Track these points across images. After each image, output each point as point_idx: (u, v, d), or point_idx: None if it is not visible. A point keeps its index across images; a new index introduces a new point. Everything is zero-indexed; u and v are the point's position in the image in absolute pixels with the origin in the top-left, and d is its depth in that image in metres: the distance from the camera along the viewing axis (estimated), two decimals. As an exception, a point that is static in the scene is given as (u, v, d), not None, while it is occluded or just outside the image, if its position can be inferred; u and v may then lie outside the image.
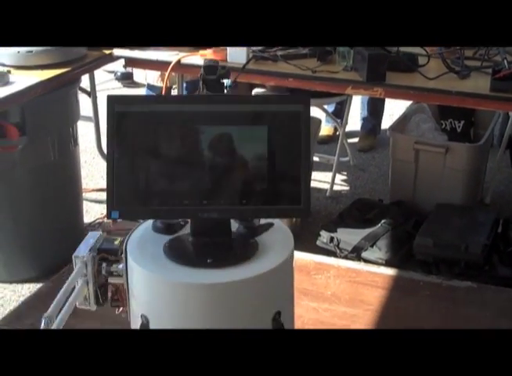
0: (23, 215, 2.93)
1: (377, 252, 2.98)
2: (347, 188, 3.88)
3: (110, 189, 1.53)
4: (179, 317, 1.57)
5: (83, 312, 1.71)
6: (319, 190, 3.81)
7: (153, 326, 1.58)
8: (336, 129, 4.45)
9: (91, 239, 1.68)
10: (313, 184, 3.86)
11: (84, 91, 3.29)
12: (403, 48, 2.72)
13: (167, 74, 2.80)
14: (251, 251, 1.62)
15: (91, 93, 3.34)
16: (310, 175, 1.59)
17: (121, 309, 1.70)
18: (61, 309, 1.55)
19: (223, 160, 1.57)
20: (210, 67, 1.62)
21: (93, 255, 1.64)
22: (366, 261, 2.99)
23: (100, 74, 4.82)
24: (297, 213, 1.65)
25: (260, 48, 2.83)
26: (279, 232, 1.71)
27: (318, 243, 3.13)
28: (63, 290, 1.60)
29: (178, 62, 2.79)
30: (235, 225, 1.67)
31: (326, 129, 4.41)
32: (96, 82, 3.49)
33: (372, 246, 3.01)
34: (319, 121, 3.41)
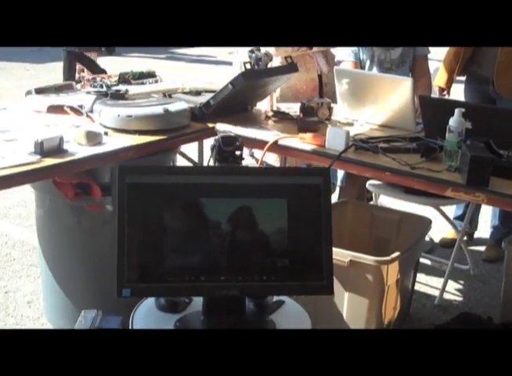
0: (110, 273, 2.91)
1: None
2: (459, 299, 3.54)
3: (121, 265, 1.45)
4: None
5: None
6: (428, 297, 3.51)
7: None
8: (464, 234, 4.13)
9: (87, 317, 1.58)
10: (423, 289, 3.58)
11: (189, 160, 3.29)
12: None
13: (263, 152, 2.73)
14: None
15: (199, 164, 3.32)
16: (331, 250, 1.47)
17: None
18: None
19: (242, 234, 1.49)
20: (228, 138, 1.53)
21: None
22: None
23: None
24: (319, 290, 1.55)
25: (362, 137, 2.69)
26: (292, 310, 1.60)
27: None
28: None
29: (275, 142, 2.71)
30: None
31: (451, 233, 4.11)
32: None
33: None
34: (429, 221, 3.15)
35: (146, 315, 1.55)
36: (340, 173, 3.83)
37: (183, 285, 1.45)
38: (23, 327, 3.07)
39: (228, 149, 1.57)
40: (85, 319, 1.60)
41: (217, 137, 1.59)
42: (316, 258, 1.47)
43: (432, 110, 2.76)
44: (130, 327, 1.49)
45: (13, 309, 3.24)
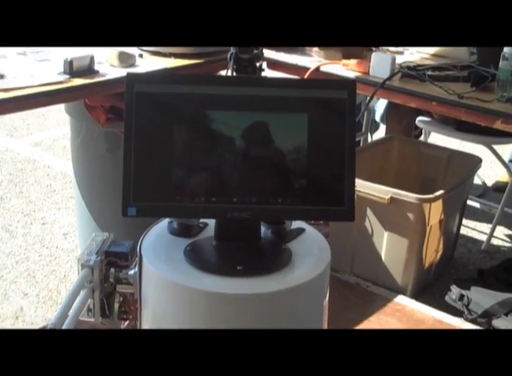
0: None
1: (511, 323, 2.51)
2: (508, 244, 3.37)
3: (127, 181, 1.34)
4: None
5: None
6: (475, 242, 3.35)
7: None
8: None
9: (97, 240, 1.50)
10: (470, 234, 3.43)
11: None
12: None
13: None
14: (285, 260, 1.40)
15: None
16: (354, 174, 1.34)
17: (128, 322, 1.51)
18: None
19: (257, 151, 1.35)
20: (245, 45, 1.38)
21: (101, 260, 1.46)
22: (497, 330, 2.53)
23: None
24: (339, 216, 1.38)
25: (410, 64, 2.52)
26: (312, 239, 1.49)
27: (446, 298, 2.71)
28: (66, 299, 1.43)
29: (317, 69, 2.56)
30: (262, 229, 1.45)
31: (505, 176, 3.89)
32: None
33: (506, 314, 2.53)
34: (479, 160, 2.97)
35: (157, 238, 1.45)
36: (381, 108, 3.63)
37: (192, 205, 1.33)
38: (57, 259, 3.05)
39: (245, 56, 1.43)
40: (96, 243, 1.52)
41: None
42: (338, 181, 1.33)
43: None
44: (138, 250, 1.40)
45: (49, 240, 3.22)
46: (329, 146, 1.34)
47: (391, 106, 3.46)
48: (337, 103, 1.34)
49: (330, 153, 1.35)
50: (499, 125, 2.22)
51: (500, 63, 2.30)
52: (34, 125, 4.85)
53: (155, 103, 1.34)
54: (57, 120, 4.84)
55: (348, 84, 1.36)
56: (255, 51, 1.43)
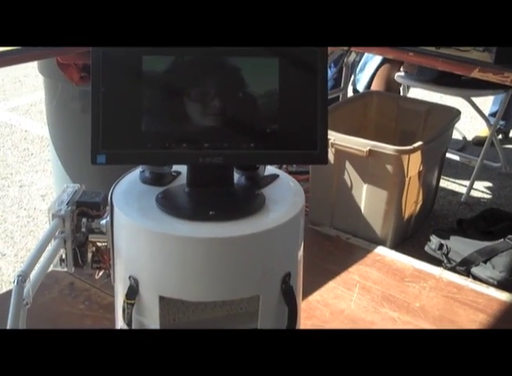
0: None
1: (490, 270, 2.53)
2: (488, 196, 3.39)
3: (96, 129, 1.31)
4: (175, 277, 1.34)
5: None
6: (455, 194, 3.37)
7: (142, 288, 1.36)
8: (499, 131, 3.94)
9: (68, 191, 1.48)
10: (451, 186, 3.44)
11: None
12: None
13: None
14: (258, 204, 1.38)
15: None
16: (327, 118, 1.33)
17: (102, 272, 1.49)
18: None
19: (228, 96, 1.33)
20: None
21: (72, 209, 1.44)
22: (476, 278, 2.55)
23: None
24: (312, 159, 1.38)
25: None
26: (286, 185, 1.47)
27: (426, 248, 2.73)
28: (36, 248, 1.41)
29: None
30: (236, 176, 1.43)
31: (484, 130, 3.90)
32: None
33: (485, 262, 2.55)
34: (457, 112, 2.96)
35: (129, 187, 1.43)
36: (365, 79, 3.62)
37: (163, 152, 1.31)
38: (36, 220, 3.04)
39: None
40: (67, 194, 1.50)
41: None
42: (310, 125, 1.32)
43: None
44: (110, 199, 1.38)
45: (27, 202, 3.20)
46: (301, 90, 1.33)
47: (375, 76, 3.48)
48: (306, 50, 1.32)
49: (302, 97, 1.33)
50: (476, 74, 2.21)
51: (476, 11, 2.28)
52: (10, 91, 4.80)
53: (122, 55, 1.31)
54: (34, 85, 4.79)
55: (319, 29, 1.33)
56: None
